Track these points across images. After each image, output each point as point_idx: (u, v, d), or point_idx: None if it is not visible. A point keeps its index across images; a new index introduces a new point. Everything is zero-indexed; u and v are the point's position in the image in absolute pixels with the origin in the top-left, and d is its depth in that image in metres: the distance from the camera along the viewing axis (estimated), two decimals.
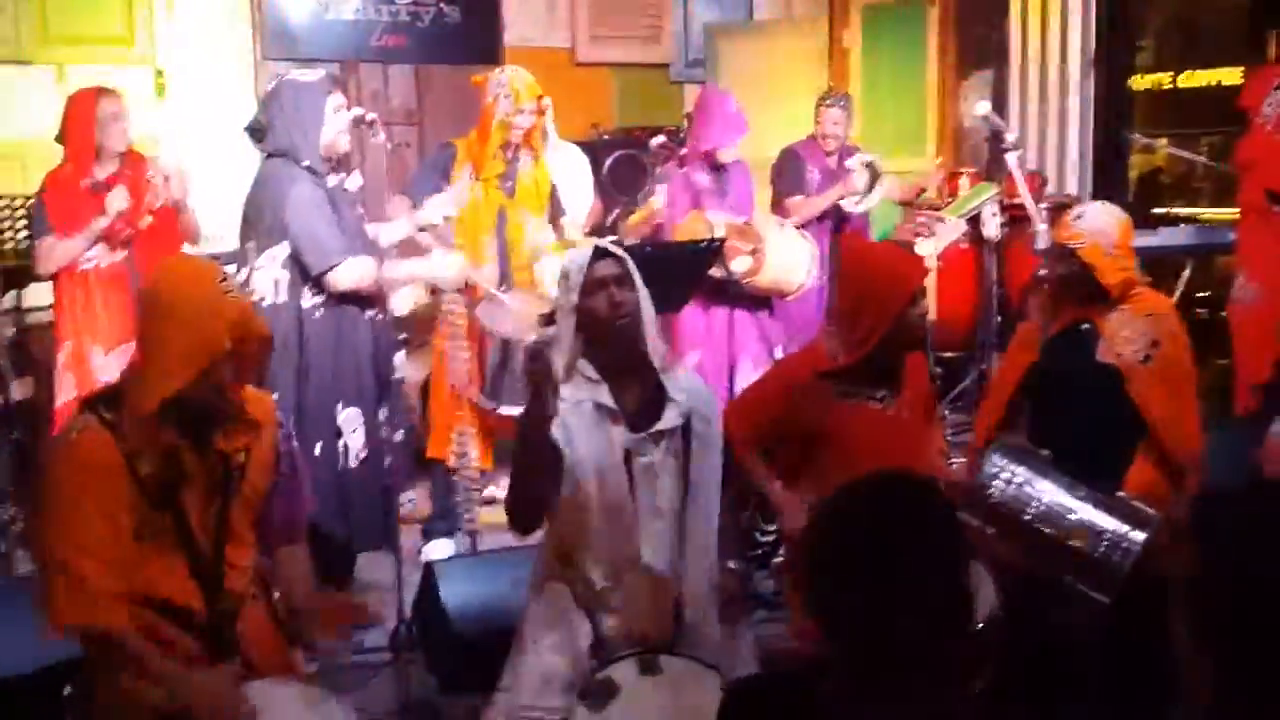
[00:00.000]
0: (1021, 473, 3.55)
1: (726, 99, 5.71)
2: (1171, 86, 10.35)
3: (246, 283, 4.14)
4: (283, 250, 4.16)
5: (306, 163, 4.19)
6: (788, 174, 6.03)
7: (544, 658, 2.98)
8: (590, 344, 2.97)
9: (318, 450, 4.20)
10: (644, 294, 2.99)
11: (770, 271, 5.28)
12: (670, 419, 3.01)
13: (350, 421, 4.26)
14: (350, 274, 4.21)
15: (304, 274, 4.19)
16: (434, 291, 5.12)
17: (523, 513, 2.99)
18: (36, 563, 2.70)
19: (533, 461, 2.90)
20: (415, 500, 5.33)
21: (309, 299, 4.20)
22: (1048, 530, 3.46)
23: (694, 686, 2.86)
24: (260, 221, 4.18)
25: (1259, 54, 9.35)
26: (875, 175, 5.94)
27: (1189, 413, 3.79)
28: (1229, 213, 8.43)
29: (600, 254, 3.00)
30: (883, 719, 1.80)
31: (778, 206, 6.06)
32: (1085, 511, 3.47)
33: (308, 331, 4.19)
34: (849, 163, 6.02)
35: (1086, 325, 3.78)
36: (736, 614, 3.16)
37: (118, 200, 4.83)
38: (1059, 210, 6.62)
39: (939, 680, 1.82)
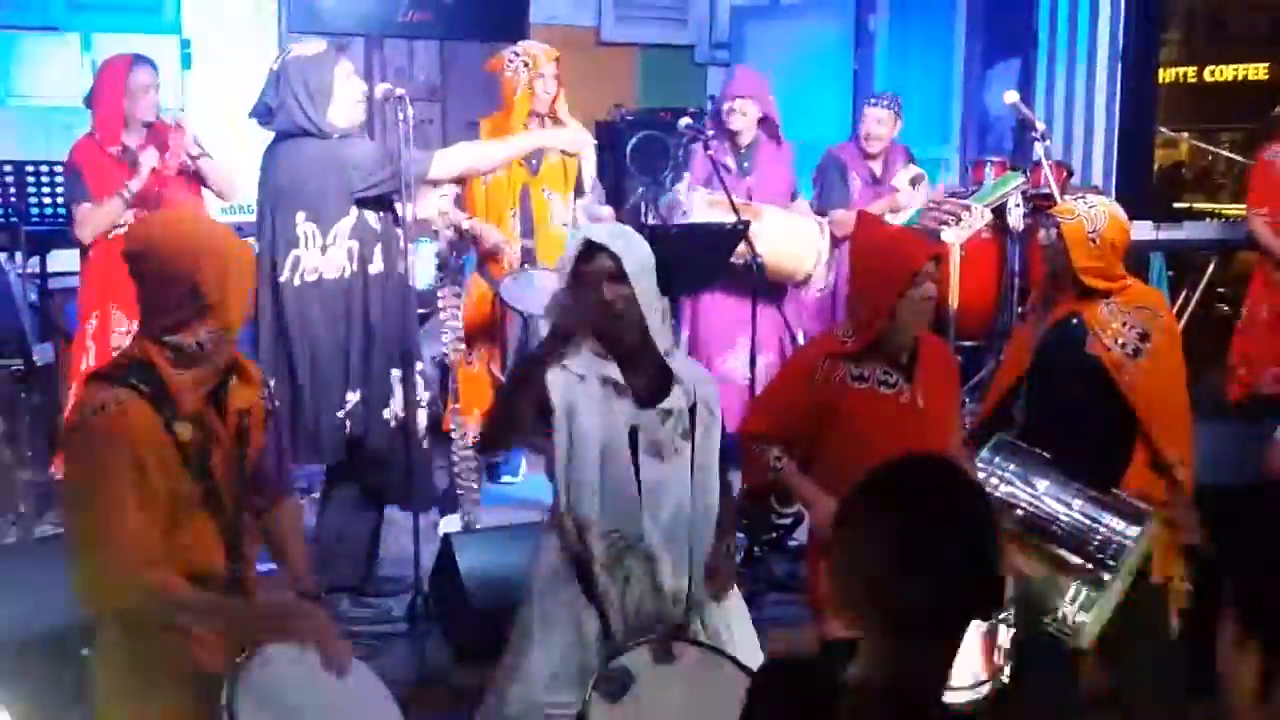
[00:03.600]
0: (1014, 470, 3.54)
1: (739, 67, 5.71)
2: (1196, 80, 10.29)
3: (295, 267, 4.10)
4: (350, 220, 4.11)
5: (337, 135, 4.12)
6: (829, 184, 5.88)
7: (554, 653, 2.97)
8: (593, 328, 2.99)
9: (386, 414, 4.23)
10: (643, 283, 2.96)
11: (764, 252, 5.20)
12: (677, 399, 3.02)
13: (396, 384, 4.26)
14: (450, 161, 4.30)
15: (371, 239, 4.15)
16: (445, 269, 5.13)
17: (490, 436, 3.26)
18: (71, 537, 2.63)
19: (520, 396, 3.03)
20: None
21: (375, 264, 4.18)
22: (1039, 528, 3.44)
23: (708, 673, 2.87)
24: (319, 201, 4.08)
25: None
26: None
27: (1179, 409, 3.76)
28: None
29: (589, 249, 2.97)
30: (909, 704, 1.80)
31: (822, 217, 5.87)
32: (1078, 509, 3.45)
33: (373, 297, 4.18)
34: (896, 181, 5.90)
35: (1076, 319, 3.77)
36: (724, 584, 3.13)
37: (149, 159, 4.84)
38: None
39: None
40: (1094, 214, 3.72)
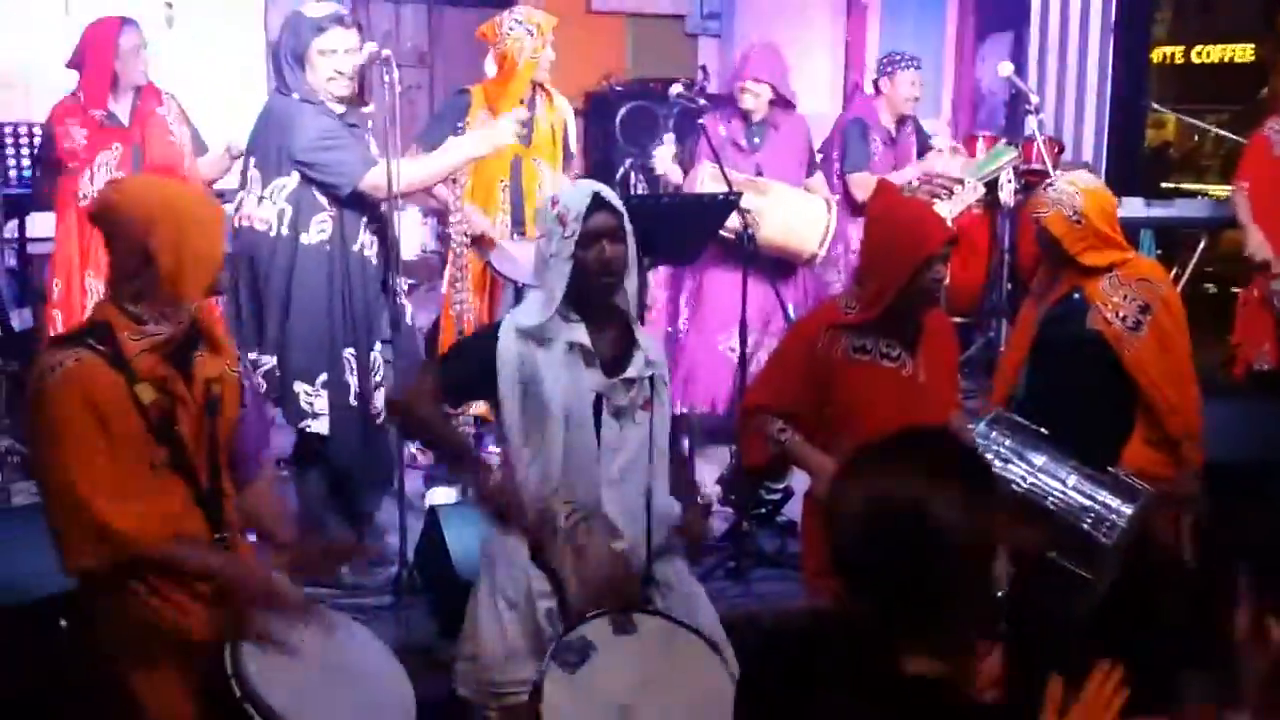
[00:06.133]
0: (1010, 445, 3.51)
1: (757, 46, 5.62)
2: (1184, 61, 10.28)
3: (239, 208, 4.14)
4: (289, 182, 4.08)
5: (297, 97, 4.11)
6: (852, 146, 5.76)
7: (507, 629, 2.94)
8: (571, 289, 2.94)
9: (321, 383, 4.18)
10: (632, 245, 2.97)
11: (769, 230, 5.05)
12: (640, 366, 3.00)
13: (349, 361, 4.21)
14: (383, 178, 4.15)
15: (309, 208, 4.10)
16: (442, 239, 5.06)
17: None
18: (45, 501, 2.60)
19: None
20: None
21: (311, 235, 4.12)
22: (1033, 504, 3.42)
23: (669, 644, 2.84)
24: (265, 152, 4.12)
25: (1271, 32, 9.28)
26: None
27: (1185, 382, 3.72)
28: None
29: (599, 204, 2.94)
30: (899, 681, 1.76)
31: (839, 180, 5.77)
32: (1073, 486, 3.43)
33: (303, 265, 4.11)
34: (935, 142, 5.84)
35: (1077, 294, 3.73)
36: (695, 551, 3.14)
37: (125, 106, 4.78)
38: None
39: (960, 644, 1.79)
40: (1065, 197, 3.67)
